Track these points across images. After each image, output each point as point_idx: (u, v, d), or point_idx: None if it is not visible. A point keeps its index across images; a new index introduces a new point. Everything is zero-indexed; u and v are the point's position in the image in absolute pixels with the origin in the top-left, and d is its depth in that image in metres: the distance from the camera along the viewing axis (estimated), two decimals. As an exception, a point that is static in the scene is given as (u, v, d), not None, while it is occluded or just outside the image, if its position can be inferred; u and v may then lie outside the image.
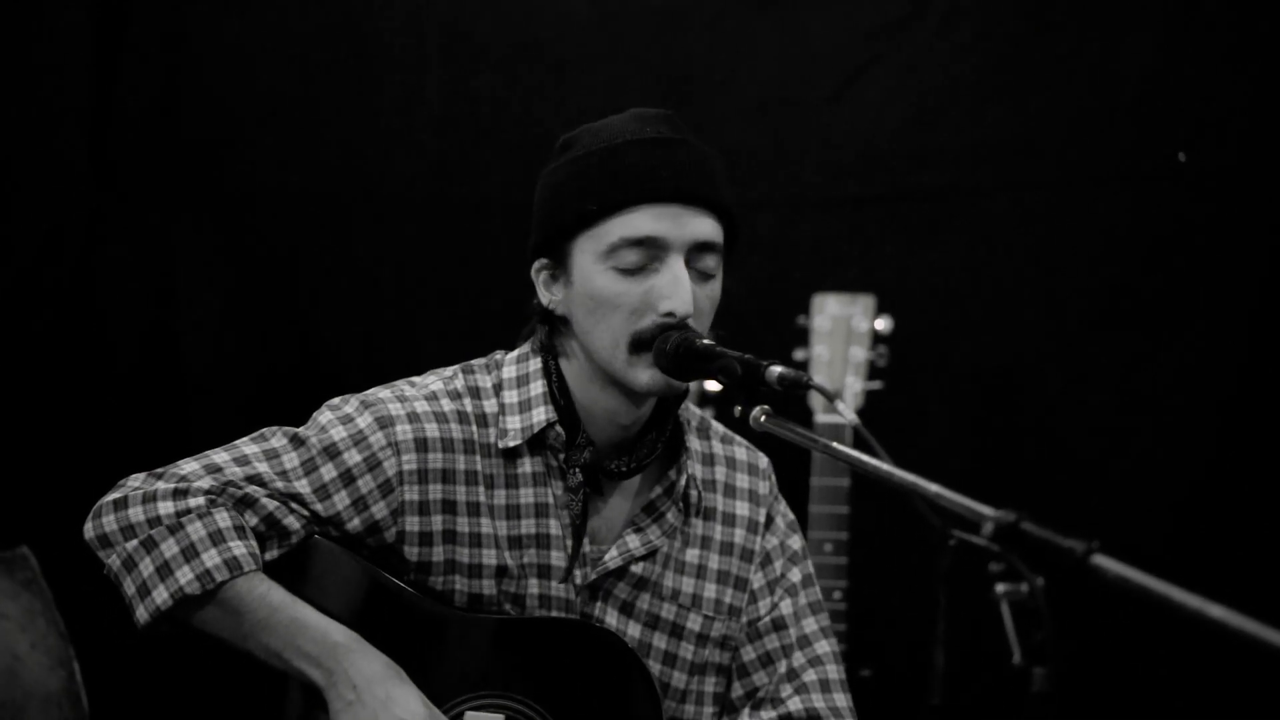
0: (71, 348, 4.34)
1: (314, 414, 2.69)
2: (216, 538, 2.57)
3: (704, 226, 2.59)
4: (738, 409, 2.47)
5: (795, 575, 2.80)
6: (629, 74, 4.38)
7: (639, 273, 2.58)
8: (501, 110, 4.41)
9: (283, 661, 2.58)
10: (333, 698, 2.56)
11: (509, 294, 2.85)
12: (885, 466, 2.23)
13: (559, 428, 2.65)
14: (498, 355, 2.75)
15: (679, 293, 2.56)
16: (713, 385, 2.52)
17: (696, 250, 2.59)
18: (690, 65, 4.40)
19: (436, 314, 4.40)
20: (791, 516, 2.84)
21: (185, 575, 2.56)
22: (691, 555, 2.74)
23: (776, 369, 2.44)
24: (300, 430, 2.67)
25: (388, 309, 4.41)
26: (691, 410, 2.79)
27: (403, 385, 2.71)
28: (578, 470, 2.65)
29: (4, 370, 3.84)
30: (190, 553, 2.56)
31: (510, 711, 2.62)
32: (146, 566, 2.57)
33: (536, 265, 2.67)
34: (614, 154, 2.60)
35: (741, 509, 2.78)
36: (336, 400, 2.70)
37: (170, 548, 2.57)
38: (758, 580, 2.78)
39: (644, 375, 2.58)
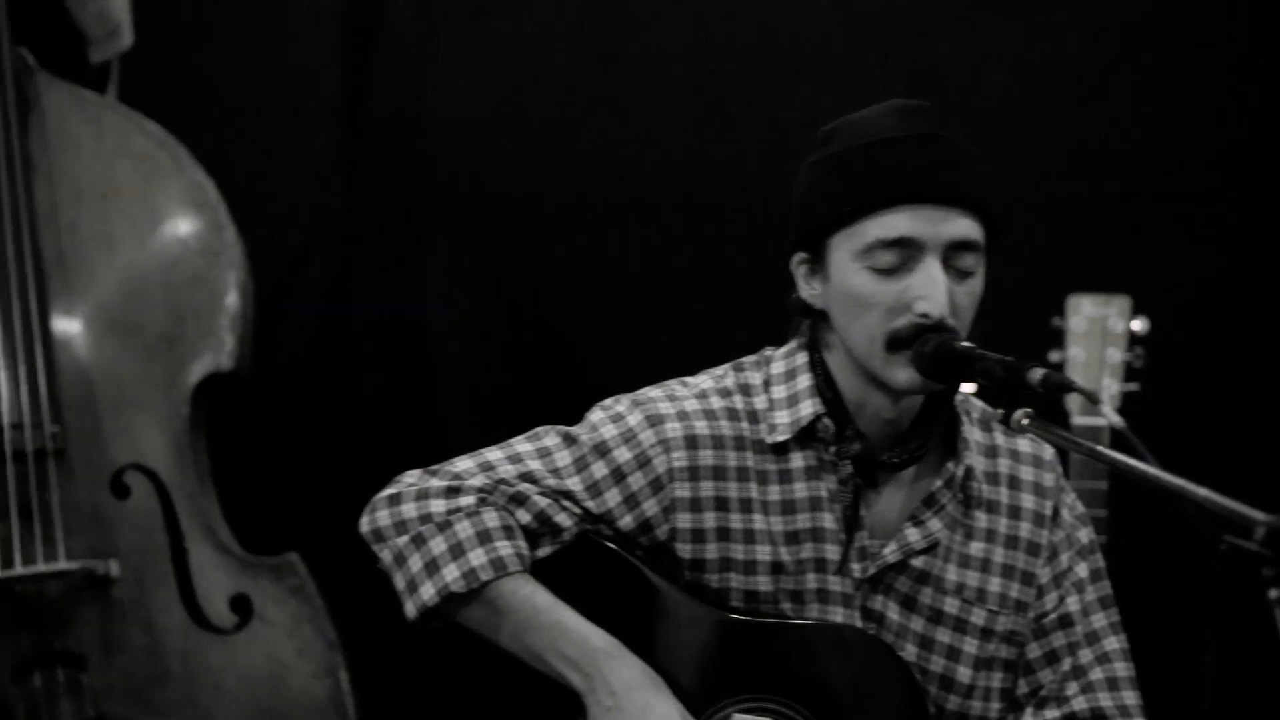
0: (326, 355, 4.43)
1: (586, 413, 2.71)
2: (484, 537, 2.61)
3: (962, 225, 2.57)
4: (999, 411, 2.45)
5: (1083, 570, 2.76)
6: (873, 71, 4.37)
7: (895, 272, 2.57)
8: (747, 110, 4.41)
9: (544, 663, 2.60)
10: (591, 703, 2.58)
11: (762, 294, 2.85)
12: (1152, 470, 2.21)
13: (827, 420, 2.65)
14: (768, 351, 2.75)
15: (934, 294, 2.55)
16: (968, 387, 2.50)
17: (954, 249, 2.57)
18: (937, 62, 4.37)
19: (690, 316, 4.41)
20: (1081, 509, 2.79)
21: (452, 573, 2.60)
22: (975, 548, 2.71)
23: (1039, 371, 2.42)
24: (572, 429, 2.70)
25: (640, 312, 4.43)
26: (972, 402, 2.76)
27: (674, 384, 2.73)
28: (848, 462, 2.64)
29: (264, 378, 3.92)
30: (457, 551, 2.61)
31: (776, 715, 2.62)
32: (416, 563, 2.62)
33: (796, 259, 2.67)
34: (871, 153, 2.59)
35: (1027, 501, 2.74)
36: (608, 400, 2.73)
37: (439, 545, 2.62)
38: (1044, 575, 2.74)
39: (902, 374, 2.57)
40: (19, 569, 3.57)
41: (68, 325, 3.68)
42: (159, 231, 3.77)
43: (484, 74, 4.46)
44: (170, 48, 4.29)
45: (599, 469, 2.66)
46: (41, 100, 3.74)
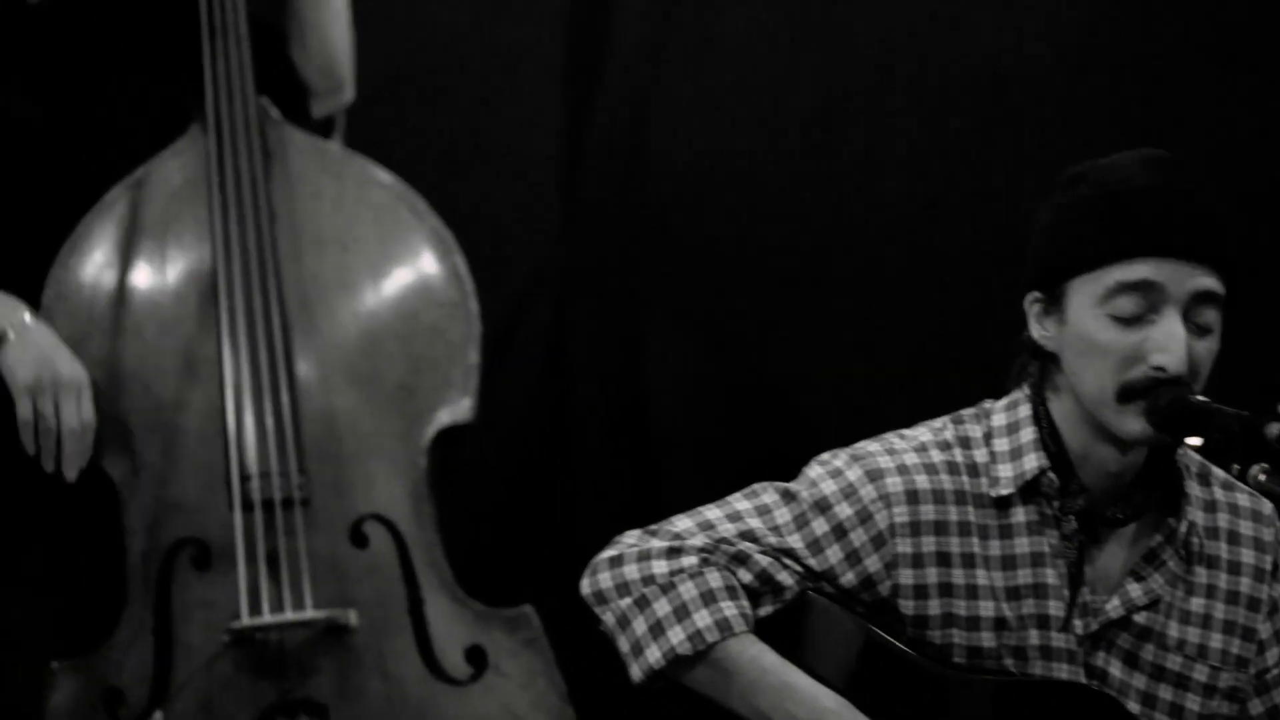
0: (543, 407, 4.45)
1: (803, 469, 2.70)
2: (708, 598, 2.60)
3: (1207, 280, 2.56)
4: (1235, 466, 2.45)
5: None
6: (1099, 119, 4.29)
7: (1135, 322, 2.55)
8: (971, 150, 4.36)
9: None
10: None
11: (981, 345, 2.82)
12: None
13: (1052, 474, 2.62)
14: (986, 404, 2.73)
15: (1173, 347, 2.53)
16: (1193, 441, 2.47)
17: (1196, 303, 2.56)
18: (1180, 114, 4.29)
19: (908, 366, 4.36)
20: None
21: (677, 635, 2.60)
22: (1196, 604, 2.67)
23: (1276, 427, 2.41)
24: (791, 485, 2.68)
25: (858, 363, 4.39)
26: (1190, 456, 2.72)
27: (892, 438, 2.71)
28: (1073, 517, 2.62)
29: (481, 429, 3.93)
30: (682, 612, 2.60)
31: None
32: (640, 625, 2.62)
33: (1030, 298, 2.65)
34: (1121, 200, 2.58)
35: (1247, 556, 2.70)
36: (826, 455, 2.71)
37: (663, 607, 2.61)
38: (1265, 630, 2.70)
39: (1133, 426, 2.55)
40: (267, 617, 3.62)
41: (311, 374, 3.73)
42: (398, 282, 3.81)
43: (705, 123, 4.46)
44: (389, 99, 4.35)
45: (819, 526, 2.64)
46: (284, 150, 3.80)
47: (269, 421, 3.66)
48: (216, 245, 3.68)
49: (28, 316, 3.48)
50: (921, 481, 2.64)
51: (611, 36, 4.49)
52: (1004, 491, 2.63)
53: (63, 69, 3.63)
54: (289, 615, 3.61)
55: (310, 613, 3.62)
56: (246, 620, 3.59)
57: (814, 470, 2.68)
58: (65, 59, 3.63)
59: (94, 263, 3.65)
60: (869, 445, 2.69)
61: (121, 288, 3.64)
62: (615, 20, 4.48)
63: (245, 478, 3.63)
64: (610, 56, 4.48)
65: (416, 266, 3.81)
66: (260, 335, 3.68)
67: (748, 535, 2.64)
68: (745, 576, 2.63)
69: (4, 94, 3.57)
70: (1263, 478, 2.38)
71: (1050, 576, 2.63)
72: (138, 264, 3.67)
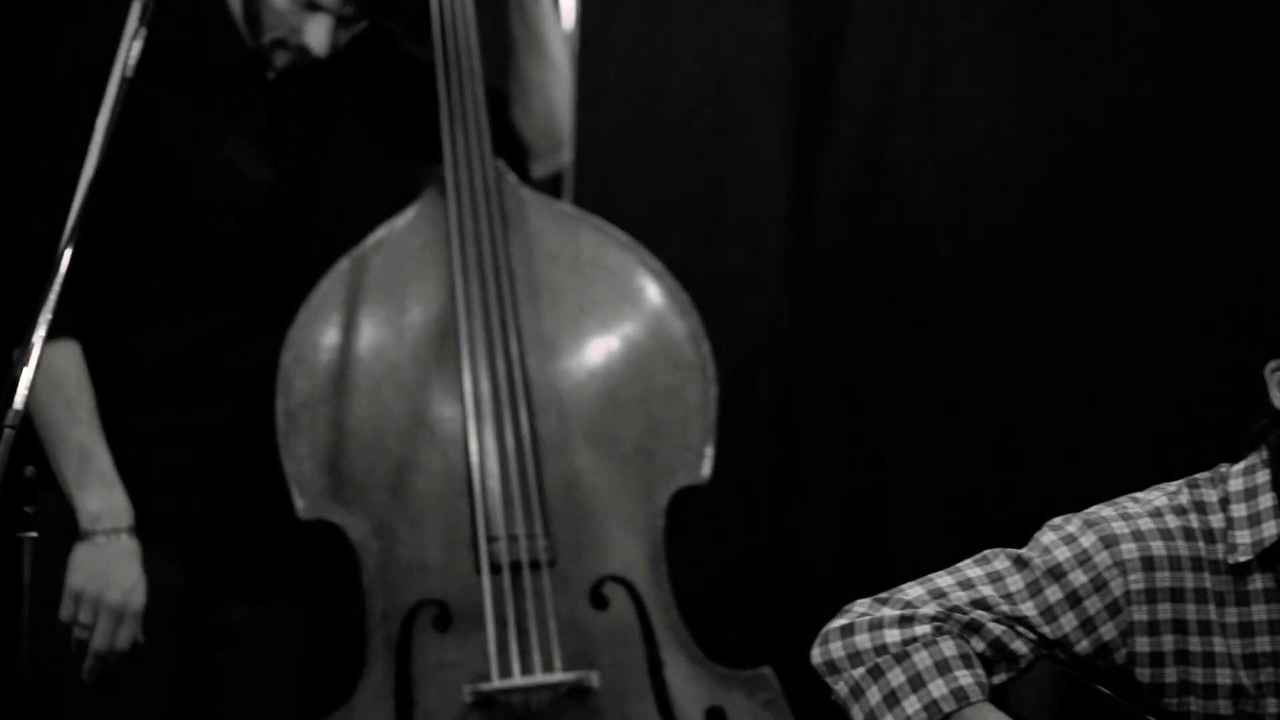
0: (772, 467, 4.43)
1: (1035, 535, 2.67)
2: (943, 667, 2.58)
3: None
4: None
5: None
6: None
7: None
8: (1211, 212, 4.27)
9: None
10: None
11: (1215, 406, 2.77)
12: None
13: (1290, 542, 2.59)
14: (1222, 468, 2.68)
15: None
16: None
17: None
18: None
19: (1140, 428, 4.29)
20: None
21: (913, 705, 2.58)
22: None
23: None
24: (1023, 552, 2.66)
25: (1090, 423, 4.32)
26: None
27: (1125, 502, 2.67)
28: (1309, 586, 2.58)
29: (710, 488, 3.92)
30: (917, 682, 2.58)
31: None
32: (874, 695, 2.60)
33: (1271, 365, 2.61)
34: None
35: None
36: (1058, 520, 2.68)
37: (897, 676, 2.59)
38: None
39: None
40: (516, 679, 3.64)
41: (551, 435, 3.75)
42: (635, 344, 3.82)
43: (932, 183, 4.43)
44: (620, 160, 4.37)
45: (1053, 593, 2.61)
46: (520, 212, 3.83)
47: (514, 483, 3.69)
48: (458, 308, 3.71)
49: (126, 534, 3.52)
50: (1157, 547, 2.60)
51: (840, 99, 4.48)
52: (1242, 558, 2.59)
53: (297, 135, 3.69)
54: (538, 678, 3.63)
55: (558, 675, 3.64)
56: (497, 683, 3.61)
57: (1047, 536, 2.65)
58: (299, 125, 3.69)
59: (331, 325, 3.70)
60: (1103, 510, 2.66)
61: (359, 350, 3.69)
62: (843, 83, 4.47)
63: (492, 539, 3.66)
64: (838, 118, 4.47)
65: (653, 328, 3.82)
66: (504, 396, 3.70)
67: (980, 603, 2.62)
68: (979, 645, 2.61)
69: (240, 159, 3.64)
70: None
71: (1290, 644, 2.59)
72: (375, 326, 3.71)
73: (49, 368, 3.37)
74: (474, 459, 3.68)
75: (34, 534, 3.20)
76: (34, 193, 3.51)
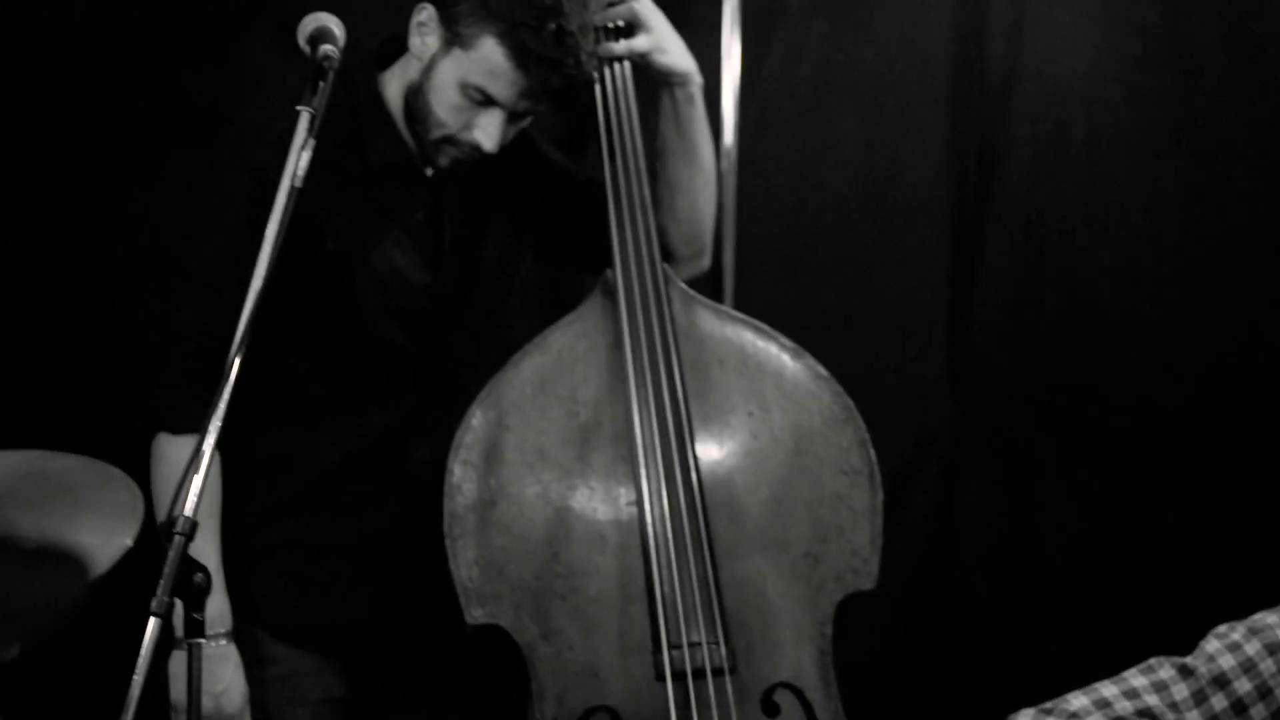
0: (934, 568, 4.40)
1: (1200, 643, 2.65)
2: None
3: None
4: None
5: None
6: None
7: None
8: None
9: None
10: None
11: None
12: None
13: None
14: None
15: None
16: None
17: None
18: None
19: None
20: None
21: None
22: None
23: None
24: (1187, 660, 2.64)
25: (1258, 529, 4.25)
26: None
27: None
28: None
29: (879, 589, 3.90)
30: None
31: None
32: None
33: None
34: None
35: None
36: (1223, 627, 2.66)
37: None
38: None
39: None
40: (692, 787, 3.62)
41: (724, 542, 3.74)
42: (803, 448, 3.81)
43: (1091, 280, 4.40)
44: (770, 261, 4.39)
45: (1218, 702, 2.58)
46: (686, 316, 3.84)
47: (693, 589, 3.66)
48: (632, 413, 3.71)
49: (222, 639, 3.53)
50: None
51: (995, 195, 4.47)
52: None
53: (452, 233, 3.71)
54: (716, 784, 3.62)
55: (732, 783, 3.62)
56: (671, 791, 3.59)
57: (1211, 644, 2.63)
58: (455, 223, 3.72)
59: (499, 427, 3.69)
60: (1267, 617, 2.63)
61: (527, 453, 3.69)
62: (1002, 184, 4.47)
63: (673, 646, 3.64)
64: (997, 221, 4.47)
65: (820, 433, 3.81)
66: (680, 502, 3.69)
67: (1145, 713, 2.59)
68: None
69: (398, 257, 3.65)
70: None
71: None
72: (543, 429, 3.71)
73: (171, 461, 3.43)
74: (654, 564, 3.65)
75: (203, 640, 3.23)
76: (173, 281, 3.54)
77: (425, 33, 3.55)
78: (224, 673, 3.54)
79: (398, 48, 3.66)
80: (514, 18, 3.47)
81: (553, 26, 3.46)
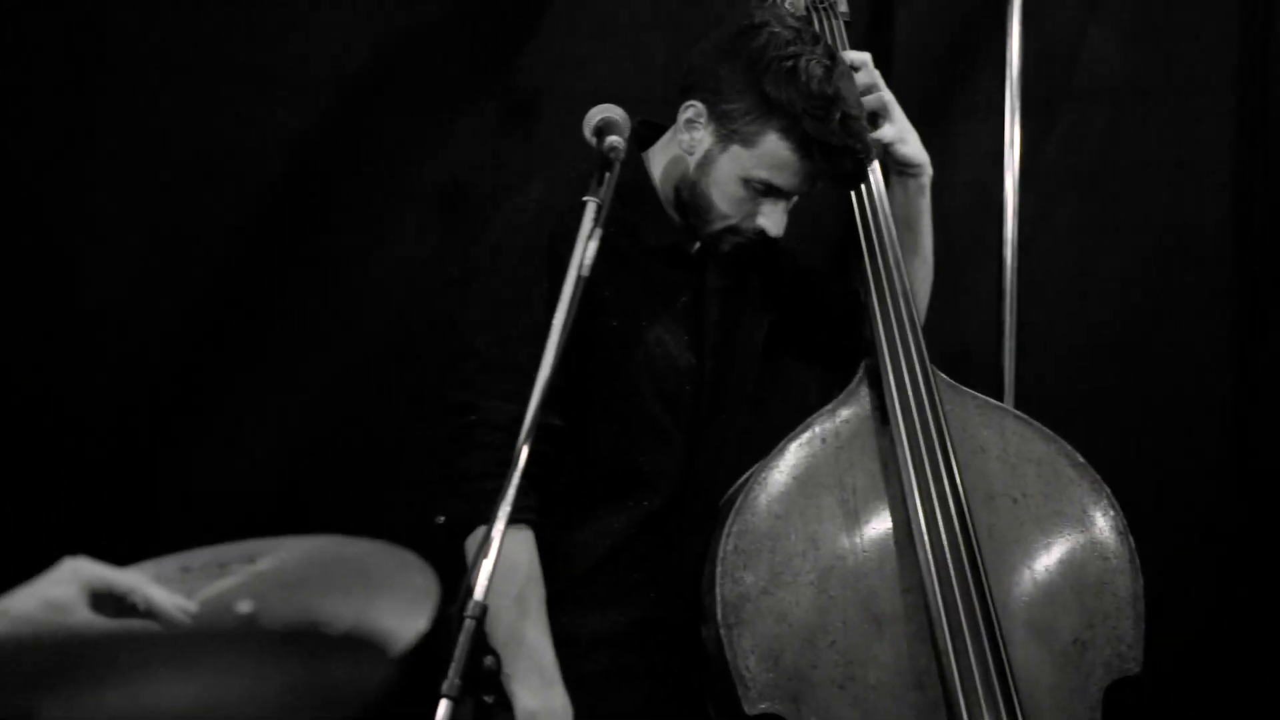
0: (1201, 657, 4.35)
1: None
2: None
3: None
4: None
5: None
6: None
7: None
8: None
9: None
10: None
11: None
12: None
13: None
14: None
15: None
16: None
17: None
18: None
19: None
20: None
21: None
22: None
23: None
24: None
25: None
26: None
27: None
28: None
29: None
30: None
31: None
32: None
33: None
34: None
35: None
36: None
37: None
38: None
39: None
40: None
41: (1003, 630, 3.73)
42: (1067, 536, 3.80)
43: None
44: (1046, 352, 4.37)
45: None
46: (951, 404, 3.84)
47: (991, 676, 3.63)
48: (909, 500, 3.70)
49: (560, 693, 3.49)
50: None
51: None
52: None
53: (715, 316, 3.74)
54: None
55: None
56: None
57: None
58: (717, 305, 3.74)
59: (770, 515, 3.69)
60: None
61: (800, 540, 3.68)
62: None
63: (968, 734, 3.62)
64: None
65: (1082, 521, 3.80)
66: (969, 587, 3.66)
67: None
68: None
69: (667, 340, 3.67)
70: None
71: None
72: (815, 516, 3.70)
73: (503, 555, 3.42)
74: (946, 653, 3.63)
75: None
76: (468, 367, 3.53)
77: (695, 129, 3.57)
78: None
79: (655, 127, 3.70)
80: (797, 110, 3.48)
81: (838, 115, 3.47)
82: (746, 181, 3.54)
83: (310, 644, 1.81)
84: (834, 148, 3.48)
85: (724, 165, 3.55)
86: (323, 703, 1.86)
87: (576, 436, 3.57)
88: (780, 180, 3.53)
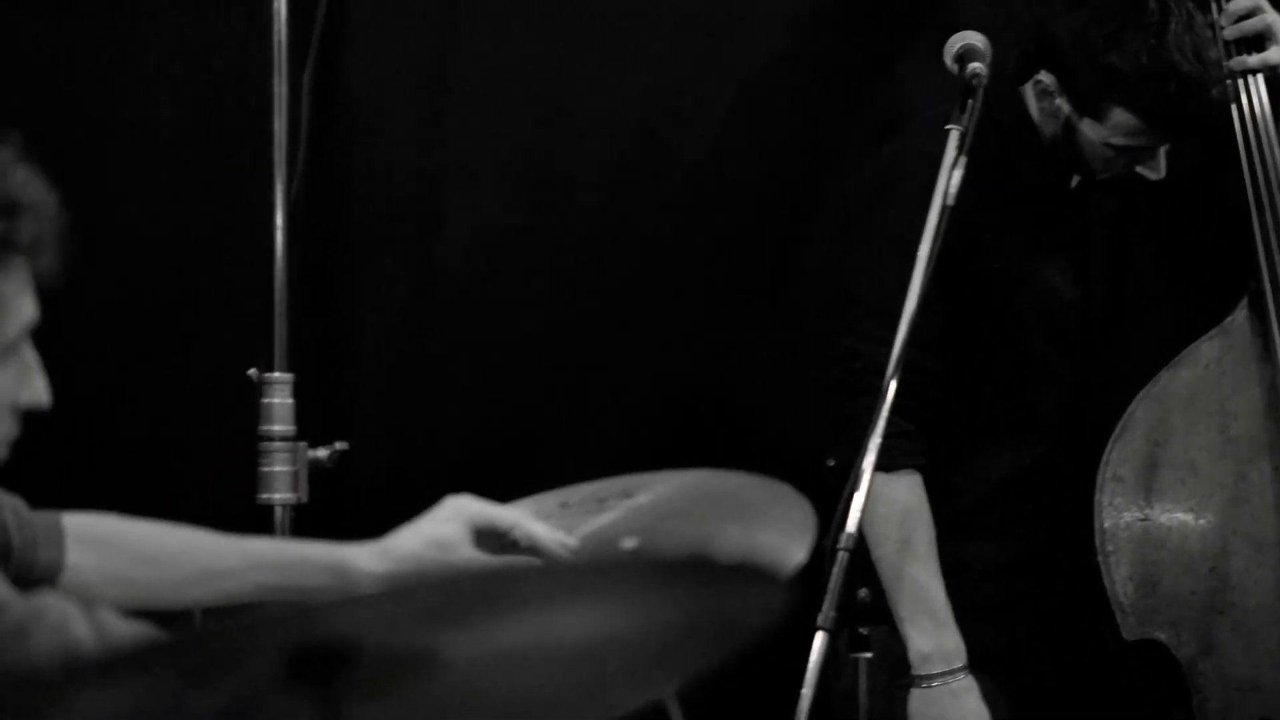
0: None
1: None
2: None
3: None
4: None
5: None
6: None
7: None
8: None
9: None
10: None
11: None
12: None
13: None
14: None
15: None
16: None
17: None
18: None
19: None
20: None
21: None
22: None
23: None
24: None
25: None
26: None
27: None
28: None
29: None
30: None
31: None
32: None
33: None
34: None
35: None
36: None
37: None
38: None
39: None
40: None
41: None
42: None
43: None
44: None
45: None
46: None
47: None
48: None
49: (958, 674, 3.50)
50: None
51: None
52: None
53: (1102, 250, 3.71)
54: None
55: None
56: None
57: None
58: (1103, 239, 3.72)
59: (1151, 444, 3.65)
60: None
61: (1180, 468, 3.64)
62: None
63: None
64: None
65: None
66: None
67: None
68: None
69: (1054, 279, 3.66)
70: None
71: None
72: (1196, 444, 3.66)
73: (888, 500, 3.44)
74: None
75: (868, 655, 3.28)
76: (852, 313, 3.57)
77: (1050, 97, 3.57)
78: (968, 705, 3.51)
79: (1033, 58, 3.66)
80: (1131, 83, 3.45)
81: (1172, 83, 3.43)
82: (1109, 146, 3.52)
83: (702, 575, 1.83)
84: (1177, 115, 3.47)
85: (1085, 132, 3.54)
86: (715, 634, 1.88)
87: (963, 379, 3.60)
88: (1139, 143, 3.52)
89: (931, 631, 3.48)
